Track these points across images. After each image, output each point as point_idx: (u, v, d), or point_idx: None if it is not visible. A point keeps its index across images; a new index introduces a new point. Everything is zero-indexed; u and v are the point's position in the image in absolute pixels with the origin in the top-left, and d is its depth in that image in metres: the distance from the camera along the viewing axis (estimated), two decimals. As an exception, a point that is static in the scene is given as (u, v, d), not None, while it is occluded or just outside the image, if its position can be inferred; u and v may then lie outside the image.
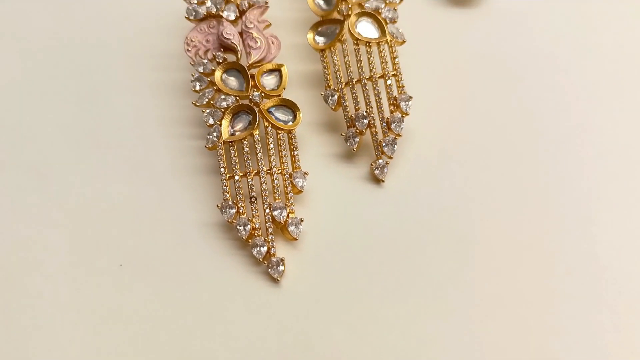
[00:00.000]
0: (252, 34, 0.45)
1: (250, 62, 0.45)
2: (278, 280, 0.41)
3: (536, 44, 0.52)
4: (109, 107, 0.49)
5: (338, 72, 0.46)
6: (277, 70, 0.45)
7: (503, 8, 0.54)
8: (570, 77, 0.51)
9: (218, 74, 0.44)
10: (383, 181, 0.45)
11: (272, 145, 0.43)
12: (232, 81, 0.45)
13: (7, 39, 0.52)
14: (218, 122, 0.43)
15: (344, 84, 0.45)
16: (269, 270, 0.41)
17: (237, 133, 0.43)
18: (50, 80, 0.50)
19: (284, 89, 0.45)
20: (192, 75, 0.45)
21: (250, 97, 0.44)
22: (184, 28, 0.51)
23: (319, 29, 0.47)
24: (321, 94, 0.46)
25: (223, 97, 0.44)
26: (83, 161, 0.46)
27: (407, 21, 0.50)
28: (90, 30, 0.53)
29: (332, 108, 0.46)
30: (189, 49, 0.46)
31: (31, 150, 0.47)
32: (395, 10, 0.47)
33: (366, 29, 0.46)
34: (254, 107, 0.44)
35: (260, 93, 0.44)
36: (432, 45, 0.52)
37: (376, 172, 0.45)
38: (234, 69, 0.44)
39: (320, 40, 0.47)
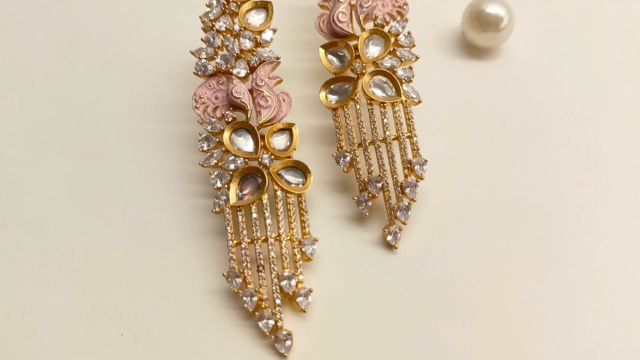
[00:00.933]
0: (262, 92, 0.44)
1: (260, 122, 0.43)
2: (285, 355, 0.40)
3: (554, 99, 0.50)
4: (113, 160, 0.47)
5: (351, 132, 0.44)
6: (288, 129, 0.44)
7: (520, 60, 0.52)
8: (588, 134, 0.49)
9: (227, 135, 0.42)
10: (396, 247, 0.43)
11: (281, 209, 0.42)
12: (241, 141, 0.43)
13: (10, 88, 0.51)
14: (226, 186, 0.42)
15: (356, 145, 0.44)
16: (276, 344, 0.39)
17: (245, 197, 0.42)
18: (53, 130, 0.49)
19: (295, 149, 0.44)
20: (200, 134, 0.43)
21: (260, 159, 0.42)
22: (192, 77, 0.50)
23: (332, 87, 0.45)
24: (333, 155, 0.44)
25: (232, 158, 0.42)
26: (85, 218, 0.45)
27: (421, 73, 0.49)
28: (95, 78, 0.51)
29: (344, 170, 0.44)
30: (197, 105, 0.44)
31: (31, 206, 0.46)
32: (411, 69, 0.45)
33: (380, 88, 0.45)
34: (263, 169, 0.43)
35: (270, 155, 0.43)
36: (447, 98, 0.50)
37: (389, 238, 0.43)
38: (243, 128, 0.43)
39: (333, 98, 0.45)
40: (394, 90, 0.44)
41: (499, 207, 0.45)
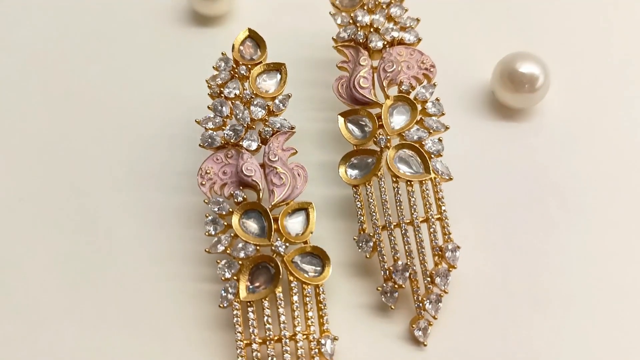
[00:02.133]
0: (276, 168, 0.39)
1: (273, 203, 0.39)
2: None
3: (590, 165, 0.45)
4: (109, 237, 0.42)
5: (374, 212, 0.40)
6: (304, 210, 0.40)
7: (557, 123, 0.47)
8: (622, 200, 0.44)
9: (236, 219, 0.38)
10: (425, 345, 0.38)
11: (296, 303, 0.38)
12: (252, 225, 0.39)
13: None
14: (235, 277, 0.38)
15: (380, 227, 0.39)
16: None
17: (257, 291, 0.37)
18: (43, 201, 0.44)
19: (312, 233, 0.39)
20: (207, 215, 0.39)
21: (272, 247, 0.38)
22: (198, 139, 0.46)
23: (352, 160, 0.41)
24: (354, 239, 0.40)
25: (241, 245, 0.38)
26: (78, 307, 0.40)
27: (447, 135, 0.45)
28: (90, 140, 0.46)
29: (366, 256, 0.39)
30: (204, 182, 0.40)
31: (18, 291, 0.41)
32: (441, 141, 0.40)
33: (407, 163, 0.40)
34: (277, 258, 0.38)
35: (284, 242, 0.38)
36: (476, 164, 0.45)
37: (417, 333, 0.38)
38: (255, 210, 0.39)
39: (354, 173, 0.40)
40: (422, 166, 0.40)
41: (537, 294, 0.40)
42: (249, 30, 0.43)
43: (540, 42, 0.50)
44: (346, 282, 0.41)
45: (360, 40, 0.43)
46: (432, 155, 0.40)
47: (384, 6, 0.44)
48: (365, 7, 0.43)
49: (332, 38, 0.44)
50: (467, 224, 0.42)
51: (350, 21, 0.43)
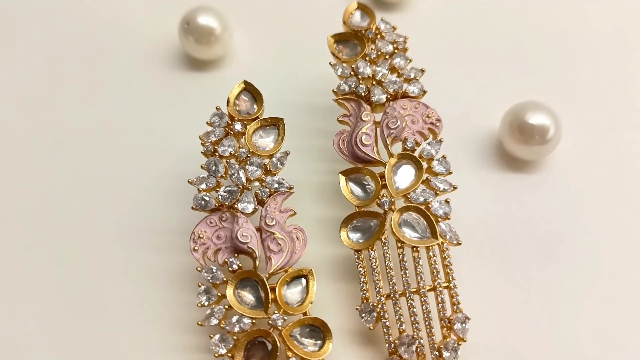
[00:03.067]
0: (273, 234, 0.37)
1: (270, 272, 0.36)
2: None
3: (603, 219, 0.43)
4: (99, 301, 0.40)
5: (377, 281, 0.37)
6: (303, 277, 0.37)
7: (565, 174, 0.44)
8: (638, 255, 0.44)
9: (230, 290, 0.35)
10: (433, 423, 0.37)
11: (295, 379, 0.35)
12: (248, 296, 0.36)
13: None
14: (229, 354, 0.35)
15: (384, 296, 0.37)
16: None
17: (252, 369, 0.35)
18: (29, 263, 0.41)
19: (311, 303, 0.37)
20: (199, 285, 0.36)
21: (270, 321, 0.35)
22: (191, 194, 0.42)
23: (354, 223, 0.38)
24: (357, 309, 0.37)
25: (236, 318, 0.35)
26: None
27: (458, 189, 0.41)
28: (79, 194, 0.44)
29: (369, 327, 0.37)
30: (196, 247, 0.37)
31: (5, 353, 0.39)
32: (448, 202, 0.38)
33: (412, 227, 0.38)
34: (274, 332, 0.35)
35: (282, 313, 0.36)
36: (483, 219, 0.43)
37: (424, 410, 0.37)
38: (250, 279, 0.36)
39: (356, 237, 0.38)
40: (428, 230, 0.37)
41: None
42: (245, 82, 0.41)
43: (549, 90, 0.48)
44: (350, 352, 0.38)
45: (362, 94, 0.40)
46: (439, 219, 0.38)
47: (387, 57, 0.41)
48: (367, 58, 0.41)
49: (333, 90, 0.41)
50: (476, 287, 0.40)
51: (352, 73, 0.41)
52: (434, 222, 0.38)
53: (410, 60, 0.42)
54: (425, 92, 0.41)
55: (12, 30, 0.51)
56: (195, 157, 0.43)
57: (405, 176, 0.39)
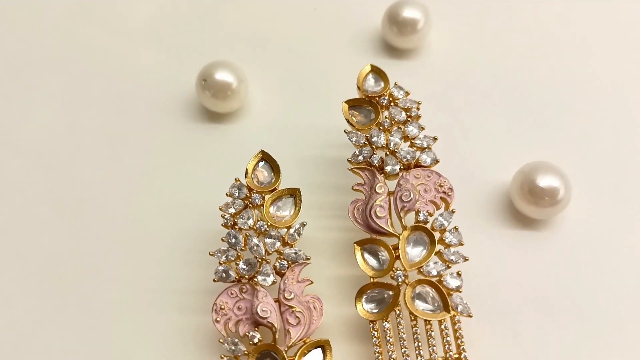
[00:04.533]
0: (292, 307, 0.38)
1: (289, 345, 0.38)
2: None
3: (612, 279, 0.44)
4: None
5: (391, 352, 0.39)
6: (320, 348, 0.39)
7: (572, 234, 0.45)
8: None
9: (251, 365, 0.38)
10: None
11: None
12: (268, 369, 0.39)
13: (5, 264, 0.46)
14: None
15: (398, 367, 0.39)
16: None
17: None
18: (56, 325, 0.43)
19: (329, 374, 0.39)
20: (222, 357, 0.38)
21: (290, 395, 0.38)
22: (208, 258, 0.44)
23: (369, 294, 0.40)
24: (372, 383, 0.40)
25: (257, 394, 0.38)
26: None
27: (469, 247, 0.43)
28: (101, 256, 0.45)
29: (384, 397, 0.39)
30: (218, 318, 0.39)
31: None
32: (460, 275, 0.40)
33: (425, 300, 0.39)
34: (294, 405, 0.38)
35: (302, 388, 0.38)
36: (497, 279, 0.44)
37: None
38: (270, 352, 0.38)
39: (369, 307, 0.40)
40: (440, 303, 0.39)
41: None
42: (262, 152, 0.42)
43: (560, 146, 0.48)
44: (364, 419, 0.41)
45: (376, 164, 0.42)
46: (451, 291, 0.39)
47: (400, 125, 0.43)
48: (381, 127, 0.43)
49: (348, 160, 0.43)
50: (486, 351, 0.41)
51: (366, 142, 0.42)
52: (447, 296, 0.39)
53: (423, 128, 0.43)
54: (437, 161, 0.42)
55: (31, 84, 0.52)
56: (214, 215, 0.44)
57: (418, 248, 0.40)
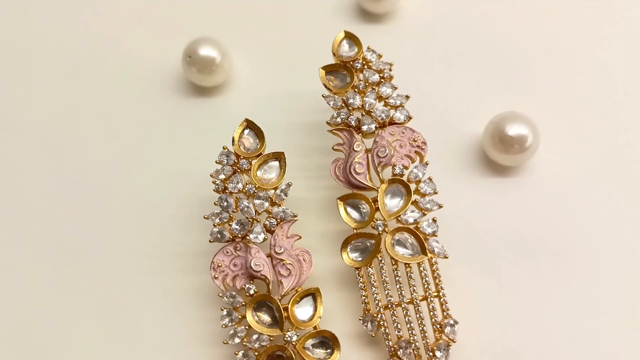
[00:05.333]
0: (282, 260, 0.42)
1: (282, 294, 0.42)
2: None
3: (582, 218, 0.47)
4: (134, 323, 0.45)
5: (376, 294, 0.43)
6: (311, 295, 0.42)
7: (544, 177, 0.49)
8: (615, 252, 0.47)
9: (249, 313, 0.41)
10: (430, 413, 0.43)
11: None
12: (264, 316, 0.42)
13: (14, 241, 0.49)
14: (252, 369, 0.42)
15: (383, 307, 0.42)
16: None
17: (273, 379, 0.41)
18: (64, 293, 0.47)
19: (320, 318, 0.42)
20: (222, 309, 0.42)
21: (285, 337, 0.41)
22: (203, 222, 0.47)
23: (353, 243, 0.43)
24: (359, 319, 0.43)
25: (256, 336, 0.41)
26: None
27: (445, 195, 0.46)
28: (107, 226, 0.49)
29: (371, 335, 0.42)
30: (216, 275, 0.43)
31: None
32: (435, 221, 0.43)
33: (404, 245, 0.43)
34: (289, 346, 0.41)
35: (295, 330, 0.41)
36: (471, 228, 0.47)
37: (423, 403, 0.42)
38: (266, 301, 0.42)
39: (354, 255, 0.43)
40: (418, 247, 0.42)
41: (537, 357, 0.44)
42: (247, 120, 0.45)
43: (529, 97, 0.51)
44: (355, 353, 0.44)
45: (354, 124, 0.45)
46: (428, 236, 0.43)
47: (374, 86, 0.46)
48: (356, 89, 0.45)
49: (327, 122, 0.46)
50: (464, 289, 0.45)
51: (343, 104, 0.45)
52: (423, 240, 0.43)
53: (396, 88, 0.46)
54: (410, 117, 0.45)
55: (27, 70, 0.55)
56: (207, 182, 0.47)
57: (395, 199, 0.43)
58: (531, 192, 0.49)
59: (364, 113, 0.45)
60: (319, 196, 0.50)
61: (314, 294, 0.42)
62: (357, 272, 0.43)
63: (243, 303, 0.42)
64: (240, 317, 0.42)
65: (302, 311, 0.42)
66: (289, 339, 0.41)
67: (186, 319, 0.46)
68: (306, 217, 0.49)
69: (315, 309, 0.42)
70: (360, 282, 0.43)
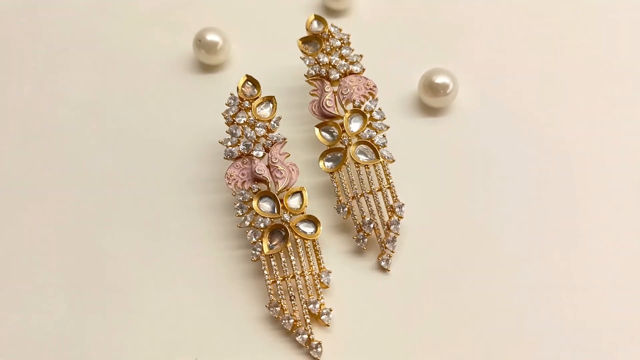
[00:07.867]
0: (277, 167, 0.59)
1: (278, 190, 0.58)
2: (318, 359, 0.54)
3: (492, 142, 0.65)
4: (167, 228, 0.61)
5: (345, 189, 0.59)
6: (299, 192, 0.59)
7: (465, 116, 0.67)
8: (530, 168, 0.64)
9: (255, 203, 0.57)
10: (389, 270, 0.58)
11: (301, 252, 0.56)
12: (266, 206, 0.58)
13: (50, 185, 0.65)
14: (259, 240, 0.56)
15: (351, 197, 0.59)
16: (310, 352, 0.54)
17: (275, 247, 0.57)
18: (117, 210, 0.62)
19: (306, 206, 0.58)
20: (235, 203, 0.58)
21: (282, 218, 0.57)
22: (216, 155, 0.64)
23: (327, 156, 0.60)
24: (334, 207, 0.59)
25: (261, 219, 0.57)
26: (153, 275, 0.59)
27: (392, 132, 0.64)
28: (140, 163, 0.65)
29: (343, 217, 0.59)
30: (229, 182, 0.59)
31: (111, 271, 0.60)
32: (384, 137, 0.60)
33: (364, 153, 0.60)
34: (285, 225, 0.57)
35: (289, 213, 0.57)
36: (411, 151, 0.64)
37: (382, 264, 0.58)
38: (267, 196, 0.58)
39: (329, 164, 0.60)
40: (373, 154, 0.60)
41: (462, 230, 0.60)
42: (247, 75, 0.62)
43: (453, 58, 0.70)
44: (333, 238, 0.60)
45: (324, 75, 0.62)
46: (380, 147, 0.60)
47: (337, 49, 0.64)
48: (324, 51, 0.63)
49: (304, 75, 0.63)
50: (408, 192, 0.62)
51: (315, 62, 0.63)
52: (377, 149, 0.60)
53: (353, 50, 0.64)
54: (364, 69, 0.63)
55: (67, 57, 0.72)
56: (215, 132, 0.64)
57: (356, 124, 0.61)
58: (457, 127, 0.66)
59: (330, 67, 0.63)
60: (302, 137, 0.67)
61: (301, 192, 0.59)
62: (331, 176, 0.60)
63: (250, 198, 0.58)
64: (248, 208, 0.58)
65: (294, 201, 0.58)
66: (285, 220, 0.57)
67: (207, 223, 0.61)
68: (293, 151, 0.65)
69: (303, 201, 0.58)
70: (334, 182, 0.59)
